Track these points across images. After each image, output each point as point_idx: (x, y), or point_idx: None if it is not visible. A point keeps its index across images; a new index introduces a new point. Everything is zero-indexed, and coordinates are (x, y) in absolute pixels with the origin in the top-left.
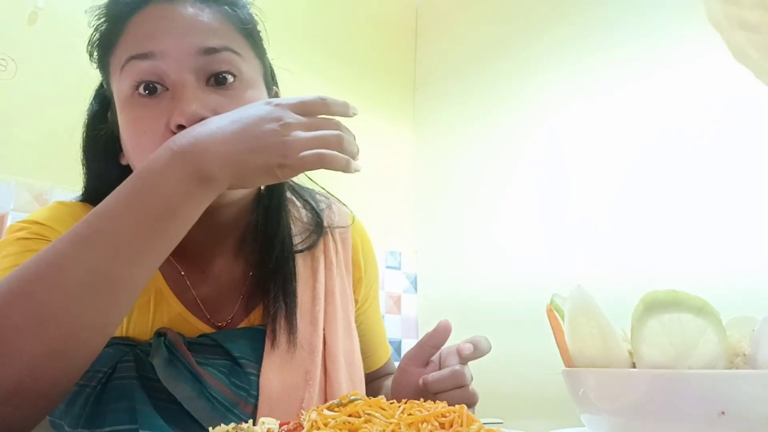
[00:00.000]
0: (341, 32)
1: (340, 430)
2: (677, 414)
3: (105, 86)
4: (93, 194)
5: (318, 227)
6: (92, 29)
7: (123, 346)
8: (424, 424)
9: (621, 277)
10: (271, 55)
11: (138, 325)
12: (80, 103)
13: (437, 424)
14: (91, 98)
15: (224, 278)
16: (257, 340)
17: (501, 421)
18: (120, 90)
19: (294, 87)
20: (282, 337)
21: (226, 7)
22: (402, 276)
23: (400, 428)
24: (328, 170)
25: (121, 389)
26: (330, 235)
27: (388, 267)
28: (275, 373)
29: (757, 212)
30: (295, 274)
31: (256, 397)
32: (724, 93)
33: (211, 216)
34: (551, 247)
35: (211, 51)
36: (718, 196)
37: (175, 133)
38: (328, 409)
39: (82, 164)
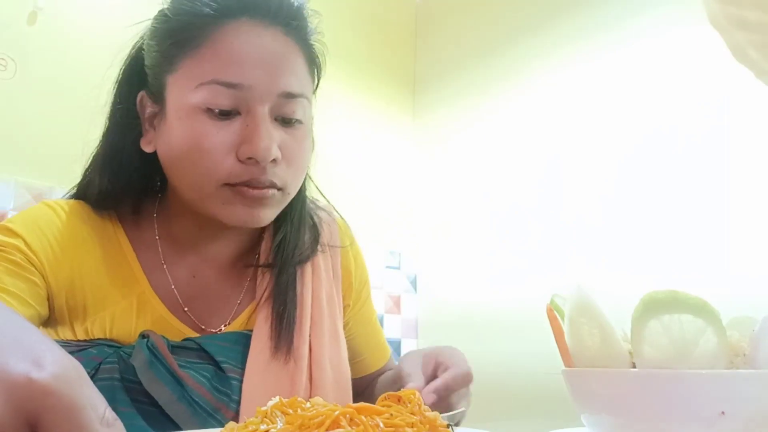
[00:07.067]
0: (341, 32)
1: None
2: (677, 414)
3: (153, 75)
4: (102, 193)
5: (314, 243)
6: (161, 16)
7: (107, 347)
8: None
9: (621, 277)
10: None
11: (121, 328)
12: (80, 102)
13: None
14: (121, 84)
15: (217, 283)
16: (243, 345)
17: (463, 408)
18: (186, 98)
19: None
20: (268, 342)
21: (312, 49)
22: (402, 276)
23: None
24: (328, 173)
25: (104, 390)
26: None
27: (388, 267)
28: (259, 378)
29: (757, 212)
30: (294, 283)
31: (238, 402)
32: (723, 93)
33: (224, 230)
34: (551, 246)
35: (291, 96)
36: (718, 196)
37: (241, 162)
38: None
39: (98, 159)
